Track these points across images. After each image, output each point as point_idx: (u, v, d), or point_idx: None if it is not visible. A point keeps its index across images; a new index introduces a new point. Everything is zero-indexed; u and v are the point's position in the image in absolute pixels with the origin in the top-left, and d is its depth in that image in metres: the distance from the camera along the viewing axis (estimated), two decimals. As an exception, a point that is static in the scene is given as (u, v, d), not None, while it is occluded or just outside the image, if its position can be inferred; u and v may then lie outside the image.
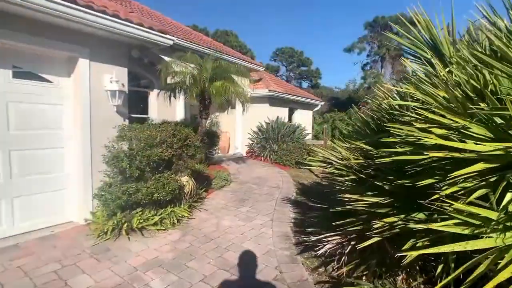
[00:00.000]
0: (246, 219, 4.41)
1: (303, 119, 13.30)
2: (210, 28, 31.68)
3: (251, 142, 10.80)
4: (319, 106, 14.65)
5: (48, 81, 3.81)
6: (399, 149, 1.79)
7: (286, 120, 11.72)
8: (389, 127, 1.84)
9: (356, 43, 27.59)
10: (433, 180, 1.64)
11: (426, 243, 1.81)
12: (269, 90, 10.66)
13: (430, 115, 1.64)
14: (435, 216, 1.76)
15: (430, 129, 1.61)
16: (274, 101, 11.36)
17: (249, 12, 60.59)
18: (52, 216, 3.88)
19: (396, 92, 2.79)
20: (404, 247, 1.88)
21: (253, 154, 10.57)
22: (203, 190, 5.49)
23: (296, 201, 5.52)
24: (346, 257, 2.67)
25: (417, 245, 1.86)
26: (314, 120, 17.69)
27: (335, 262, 2.81)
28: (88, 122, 3.96)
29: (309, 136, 12.66)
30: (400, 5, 26.22)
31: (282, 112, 11.82)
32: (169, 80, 6.50)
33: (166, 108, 9.30)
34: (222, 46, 10.60)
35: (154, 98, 9.02)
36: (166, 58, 7.31)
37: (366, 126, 2.98)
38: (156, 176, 3.79)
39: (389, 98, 2.82)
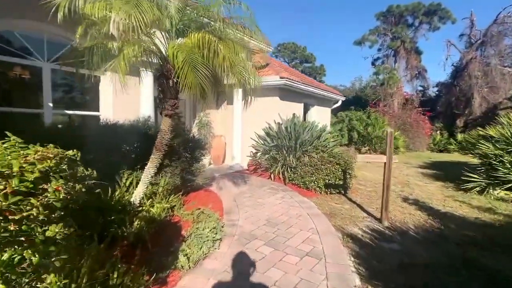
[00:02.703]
0: None
1: (321, 118, 9.93)
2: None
3: (255, 150, 7.43)
4: (340, 102, 11.29)
5: None
6: None
7: (301, 119, 8.34)
8: None
9: (367, 35, 24.16)
10: None
11: None
12: (281, 78, 7.29)
13: None
14: None
15: None
16: (286, 93, 7.98)
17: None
18: None
19: None
20: None
21: (257, 168, 7.20)
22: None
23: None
24: None
25: None
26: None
27: None
28: None
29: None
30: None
31: (296, 109, 8.45)
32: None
33: (128, 102, 5.91)
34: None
35: (108, 86, 5.64)
36: None
37: None
38: None
39: None
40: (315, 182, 5.67)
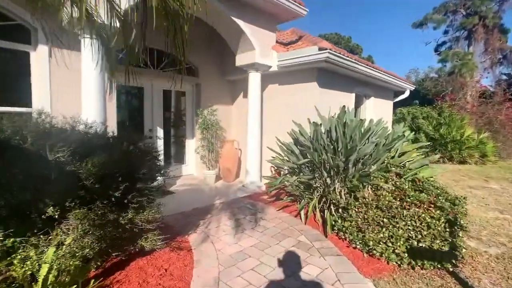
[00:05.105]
0: None
1: (380, 116, 6.74)
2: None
3: (275, 167, 4.73)
4: (407, 93, 7.93)
5: None
6: None
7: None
8: None
9: (430, 15, 19.33)
10: None
11: None
12: (321, 49, 4.45)
13: None
14: None
15: None
16: (329, 77, 5.11)
17: None
18: None
19: None
20: None
21: (281, 193, 4.51)
22: None
23: None
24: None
25: None
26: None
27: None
28: None
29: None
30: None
31: (343, 102, 5.51)
32: None
33: (73, 92, 3.64)
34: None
35: (43, 64, 3.49)
36: None
37: None
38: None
39: None
40: (389, 244, 2.77)
